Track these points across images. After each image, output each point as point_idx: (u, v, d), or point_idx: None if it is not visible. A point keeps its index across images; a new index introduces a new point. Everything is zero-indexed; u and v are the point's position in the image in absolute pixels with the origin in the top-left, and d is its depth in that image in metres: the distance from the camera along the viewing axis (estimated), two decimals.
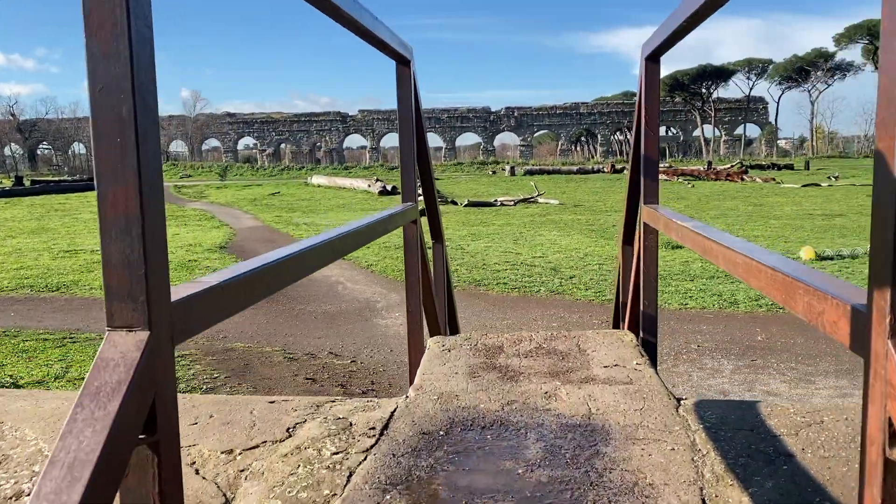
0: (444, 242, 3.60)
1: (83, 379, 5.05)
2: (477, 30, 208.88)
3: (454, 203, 29.26)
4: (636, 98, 2.85)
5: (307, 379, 5.77)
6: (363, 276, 12.19)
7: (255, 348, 7.10)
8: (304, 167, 65.94)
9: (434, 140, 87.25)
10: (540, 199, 28.77)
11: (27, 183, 46.64)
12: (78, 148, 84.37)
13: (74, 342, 7.38)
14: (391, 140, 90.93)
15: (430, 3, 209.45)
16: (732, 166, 46.65)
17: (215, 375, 5.86)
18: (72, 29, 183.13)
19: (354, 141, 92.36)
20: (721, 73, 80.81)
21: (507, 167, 50.00)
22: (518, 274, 11.49)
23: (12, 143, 78.84)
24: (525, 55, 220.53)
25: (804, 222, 19.75)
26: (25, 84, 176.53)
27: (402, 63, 2.82)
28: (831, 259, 12.79)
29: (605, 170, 49.23)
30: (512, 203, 27.96)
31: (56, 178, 53.16)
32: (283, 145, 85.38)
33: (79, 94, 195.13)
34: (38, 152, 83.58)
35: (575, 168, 50.33)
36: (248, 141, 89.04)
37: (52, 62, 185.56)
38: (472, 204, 27.93)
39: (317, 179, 44.26)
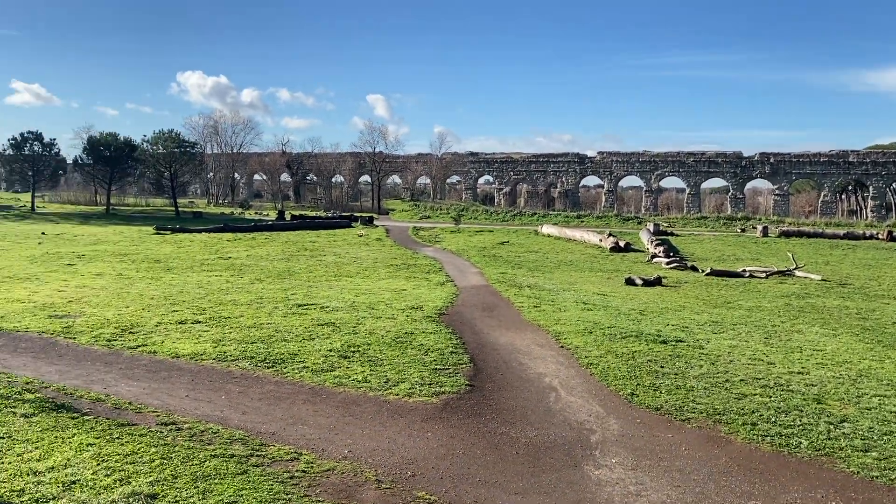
0: None
1: None
2: (731, 67, 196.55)
3: (695, 269, 26.67)
4: None
5: None
6: (580, 380, 10.83)
7: None
8: (536, 213, 65.61)
9: (676, 183, 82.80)
10: (798, 273, 25.20)
11: (288, 217, 51.41)
12: (337, 179, 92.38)
13: (259, 465, 6.93)
14: (629, 181, 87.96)
15: (682, 39, 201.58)
16: None
17: None
18: (346, 71, 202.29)
19: (591, 180, 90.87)
20: None
21: (759, 227, 45.13)
22: (771, 405, 9.42)
23: (283, 176, 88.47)
24: (784, 93, 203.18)
25: None
26: (305, 118, 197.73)
27: None
28: None
29: (880, 236, 42.36)
30: (763, 275, 24.76)
31: (312, 214, 58.09)
32: (519, 184, 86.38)
33: (344, 131, 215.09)
34: (304, 184, 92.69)
35: (841, 232, 43.97)
36: (488, 177, 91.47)
37: (328, 99, 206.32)
38: (715, 273, 25.20)
39: (547, 229, 43.43)
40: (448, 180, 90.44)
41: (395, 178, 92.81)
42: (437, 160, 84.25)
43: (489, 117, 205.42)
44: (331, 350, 12.21)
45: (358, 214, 56.59)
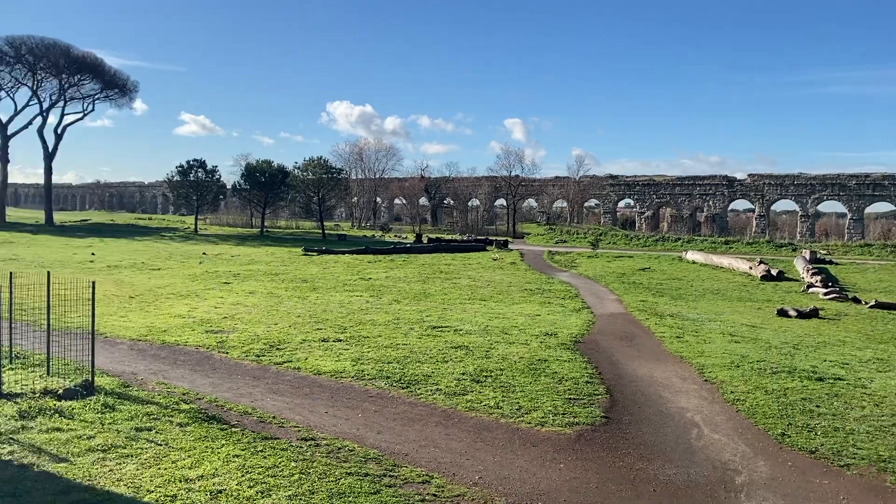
0: None
1: None
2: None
3: (857, 301, 24.57)
4: None
5: None
6: (725, 417, 10.20)
7: None
8: (680, 238, 63.12)
9: (836, 207, 77.09)
10: None
11: (425, 239, 52.63)
12: (473, 203, 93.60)
13: (391, 486, 7.04)
14: (783, 205, 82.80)
15: (842, 54, 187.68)
16: None
17: None
18: (484, 96, 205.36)
19: (741, 204, 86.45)
20: None
21: None
22: None
23: (421, 200, 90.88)
24: None
25: None
26: (444, 144, 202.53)
27: None
28: None
29: None
30: None
31: (448, 237, 59.08)
32: (662, 208, 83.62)
33: (481, 155, 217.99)
34: (441, 208, 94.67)
35: None
36: (628, 201, 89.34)
37: (466, 125, 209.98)
38: (881, 305, 23.09)
39: (691, 255, 41.62)
40: (586, 204, 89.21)
41: (531, 202, 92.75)
42: (574, 183, 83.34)
43: (630, 139, 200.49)
44: (463, 374, 12.26)
45: (493, 238, 56.89)
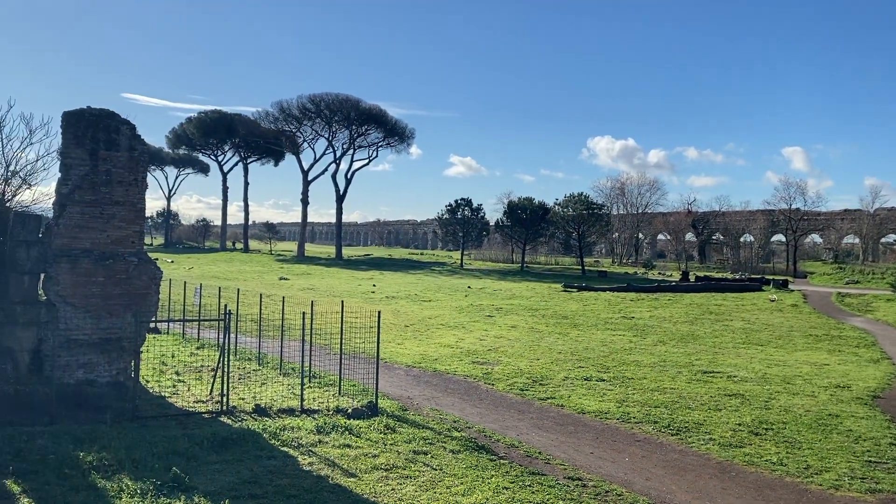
0: None
1: None
2: None
3: None
4: None
5: None
6: None
7: None
8: None
9: None
10: None
11: (692, 277, 50.02)
12: (746, 239, 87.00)
13: None
14: None
15: None
16: None
17: None
18: (759, 124, 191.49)
19: None
20: None
21: None
22: None
23: (687, 235, 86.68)
24: None
25: None
26: (712, 176, 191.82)
27: None
28: None
29: None
30: None
31: (718, 275, 55.52)
32: None
33: (755, 187, 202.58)
34: (709, 244, 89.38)
35: None
36: None
37: (738, 155, 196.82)
38: None
39: None
40: (882, 240, 78.60)
41: (815, 238, 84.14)
42: (868, 217, 73.92)
43: None
44: (739, 424, 11.38)
45: (769, 277, 52.29)
